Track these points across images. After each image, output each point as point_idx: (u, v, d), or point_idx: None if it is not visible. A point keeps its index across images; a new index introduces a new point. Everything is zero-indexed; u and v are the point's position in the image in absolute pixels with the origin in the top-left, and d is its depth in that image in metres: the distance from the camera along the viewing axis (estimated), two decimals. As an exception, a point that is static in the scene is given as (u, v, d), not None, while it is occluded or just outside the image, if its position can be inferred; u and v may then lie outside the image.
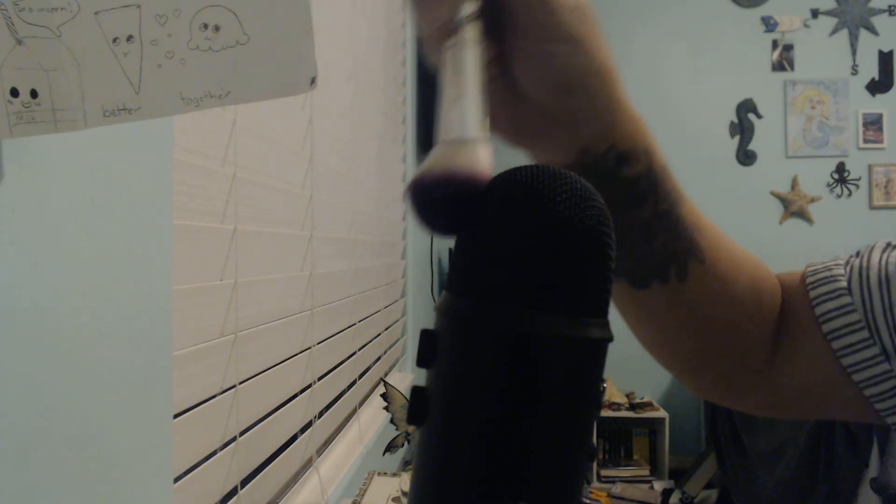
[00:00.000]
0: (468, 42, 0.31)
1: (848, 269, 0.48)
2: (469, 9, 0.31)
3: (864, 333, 0.45)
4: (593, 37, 0.36)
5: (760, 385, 0.50)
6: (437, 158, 0.26)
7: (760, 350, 0.49)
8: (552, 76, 0.36)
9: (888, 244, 0.48)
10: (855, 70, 3.64)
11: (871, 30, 3.64)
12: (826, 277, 0.48)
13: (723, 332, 0.48)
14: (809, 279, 0.48)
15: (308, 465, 1.10)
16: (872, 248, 0.48)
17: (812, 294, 0.48)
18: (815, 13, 3.67)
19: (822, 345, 0.47)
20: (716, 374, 0.51)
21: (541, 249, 0.24)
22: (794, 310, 0.49)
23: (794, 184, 3.65)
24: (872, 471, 2.08)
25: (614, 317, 0.25)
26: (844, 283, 0.47)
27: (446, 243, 2.80)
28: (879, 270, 0.46)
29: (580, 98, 0.37)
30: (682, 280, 0.44)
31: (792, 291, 0.50)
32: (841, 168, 3.65)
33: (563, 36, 0.35)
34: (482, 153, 0.26)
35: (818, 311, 0.47)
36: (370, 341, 1.56)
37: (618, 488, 3.16)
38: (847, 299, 0.46)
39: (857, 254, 0.49)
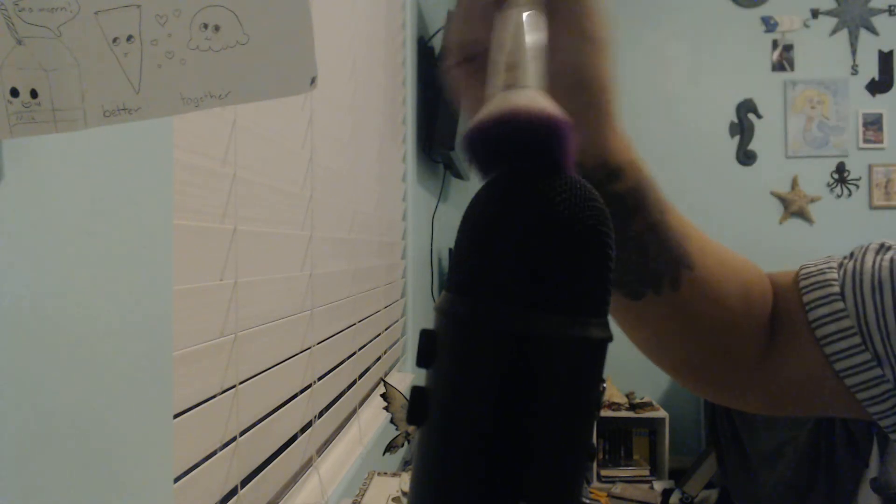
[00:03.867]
0: (521, 3, 0.30)
1: (841, 272, 0.47)
2: None
3: (857, 339, 0.45)
4: (611, 47, 0.37)
5: (756, 383, 0.50)
6: (496, 103, 0.25)
7: (754, 349, 0.49)
8: (570, 71, 0.36)
9: (881, 245, 0.48)
10: (855, 70, 3.64)
11: (871, 30, 3.64)
12: (819, 282, 0.48)
13: (715, 334, 0.48)
14: (803, 282, 0.48)
15: (308, 465, 1.10)
16: (866, 250, 0.48)
17: (805, 299, 0.48)
18: (815, 13, 3.67)
19: (814, 347, 0.47)
20: (712, 374, 0.51)
21: (540, 249, 0.24)
22: (787, 310, 0.49)
23: (794, 184, 3.65)
24: (872, 471, 2.08)
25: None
26: (837, 289, 0.47)
27: (446, 243, 2.80)
28: (872, 275, 0.46)
29: (583, 101, 0.37)
30: (675, 289, 0.44)
31: (785, 292, 0.50)
32: (841, 168, 3.65)
33: (592, 35, 0.35)
34: (544, 97, 0.26)
35: (811, 315, 0.47)
36: (370, 341, 1.56)
37: (618, 488, 3.16)
38: (840, 305, 0.46)
39: (851, 255, 0.49)
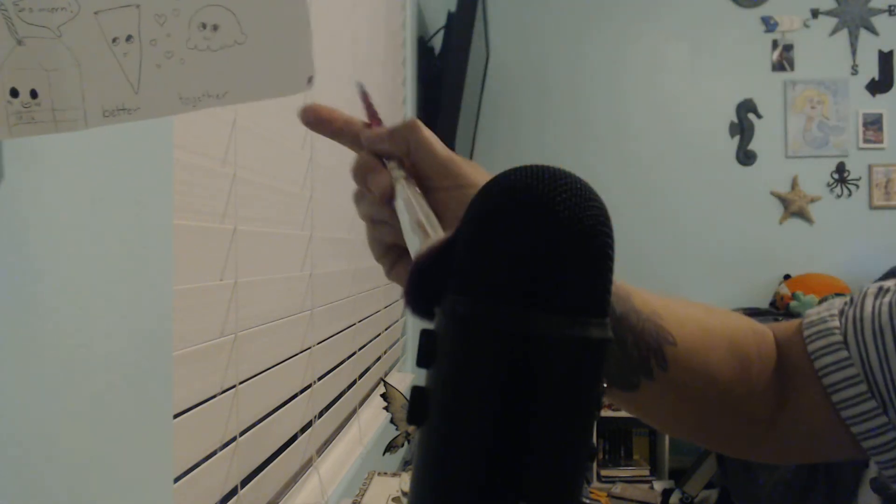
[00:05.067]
0: (405, 185, 0.40)
1: (843, 320, 0.48)
2: (398, 172, 0.41)
3: (863, 387, 0.45)
4: (484, 178, 0.41)
5: (771, 434, 0.51)
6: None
7: (763, 403, 0.50)
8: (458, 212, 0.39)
9: (879, 289, 0.49)
10: (855, 70, 3.64)
11: (871, 30, 3.64)
12: (822, 331, 0.48)
13: (716, 399, 0.48)
14: (806, 332, 0.49)
15: (308, 465, 1.10)
16: (865, 294, 0.49)
17: (810, 348, 0.48)
18: (815, 13, 3.66)
19: (822, 396, 0.47)
20: (727, 435, 0.52)
21: (540, 249, 0.24)
22: (793, 361, 0.49)
23: (794, 184, 3.65)
24: (872, 471, 2.08)
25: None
26: (840, 337, 0.47)
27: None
28: (873, 321, 0.46)
29: None
30: (664, 368, 0.45)
31: (790, 342, 0.50)
32: (841, 168, 3.65)
33: (464, 181, 0.40)
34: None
35: (817, 364, 0.47)
36: (370, 341, 1.56)
37: (618, 488, 3.16)
38: (844, 353, 0.46)
39: (851, 301, 0.49)
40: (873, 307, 0.47)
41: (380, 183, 0.41)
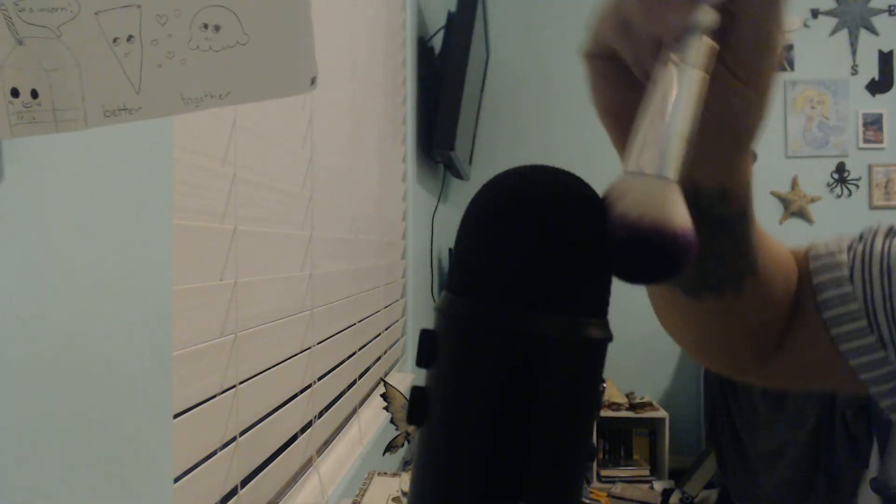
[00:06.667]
0: (694, 62, 0.27)
1: (851, 255, 0.48)
2: (707, 19, 0.27)
3: (863, 322, 0.46)
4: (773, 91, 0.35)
5: (771, 360, 0.51)
6: (644, 200, 0.25)
7: (777, 330, 0.50)
8: (732, 119, 0.34)
9: (890, 228, 0.49)
10: (855, 70, 3.64)
11: (871, 30, 3.64)
12: (829, 264, 0.48)
13: (758, 328, 0.49)
14: (813, 264, 0.49)
15: (308, 465, 1.10)
16: (876, 232, 0.49)
17: (815, 281, 0.48)
18: (815, 13, 3.66)
19: (822, 326, 0.47)
20: (740, 357, 0.52)
21: (540, 250, 0.24)
22: (800, 291, 0.50)
23: (794, 184, 3.65)
24: (872, 471, 2.08)
25: (614, 320, 0.25)
26: (847, 272, 0.47)
27: (446, 243, 2.80)
28: (882, 259, 0.46)
29: (730, 142, 0.36)
30: (738, 294, 0.44)
31: (800, 273, 0.50)
32: (841, 168, 3.65)
33: (763, 86, 0.33)
34: (682, 205, 0.25)
35: (819, 298, 0.48)
36: (370, 341, 1.56)
37: (618, 488, 3.16)
38: (848, 288, 0.47)
39: (861, 237, 0.49)
40: (883, 246, 0.47)
41: (667, 20, 0.27)
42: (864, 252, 0.48)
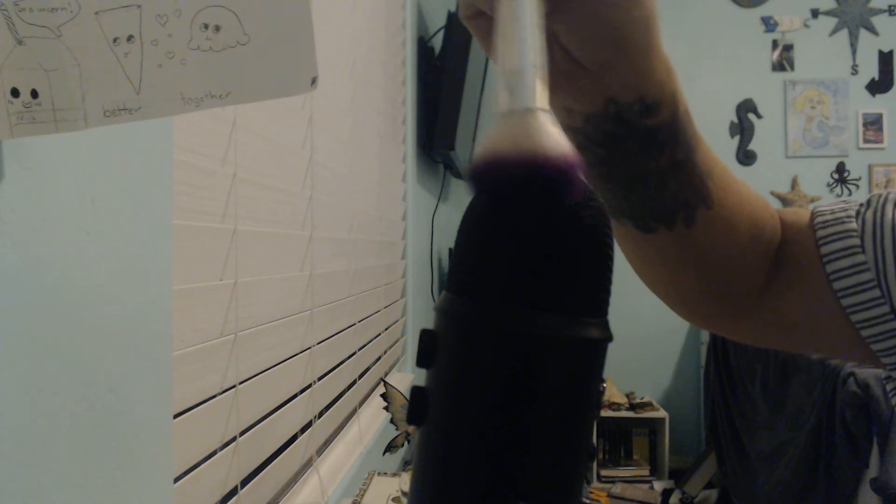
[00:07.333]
0: None
1: (860, 221, 0.47)
2: None
3: (876, 292, 0.45)
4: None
5: (752, 313, 0.50)
6: (512, 133, 0.24)
7: (754, 280, 0.49)
8: (604, 31, 0.34)
9: None
10: (855, 70, 3.64)
11: (871, 30, 3.64)
12: (838, 232, 0.47)
13: (720, 268, 0.48)
14: (820, 232, 0.48)
15: (308, 465, 1.10)
16: (885, 200, 0.48)
17: (823, 250, 0.47)
18: (815, 13, 3.67)
19: (822, 287, 0.47)
20: (708, 304, 0.51)
21: (540, 249, 0.24)
22: (796, 251, 0.49)
23: (794, 184, 3.65)
24: (872, 471, 2.08)
25: (614, 320, 0.25)
26: (858, 241, 0.46)
27: (446, 243, 2.80)
28: (894, 228, 0.46)
29: (623, 51, 0.35)
30: (689, 226, 0.43)
31: (797, 233, 0.49)
32: (841, 168, 3.65)
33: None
34: (552, 128, 0.24)
35: (829, 267, 0.47)
36: (370, 341, 1.56)
37: (618, 488, 3.16)
38: (861, 257, 0.46)
39: (868, 203, 0.48)
40: (894, 215, 0.46)
41: None
42: (874, 221, 0.47)
